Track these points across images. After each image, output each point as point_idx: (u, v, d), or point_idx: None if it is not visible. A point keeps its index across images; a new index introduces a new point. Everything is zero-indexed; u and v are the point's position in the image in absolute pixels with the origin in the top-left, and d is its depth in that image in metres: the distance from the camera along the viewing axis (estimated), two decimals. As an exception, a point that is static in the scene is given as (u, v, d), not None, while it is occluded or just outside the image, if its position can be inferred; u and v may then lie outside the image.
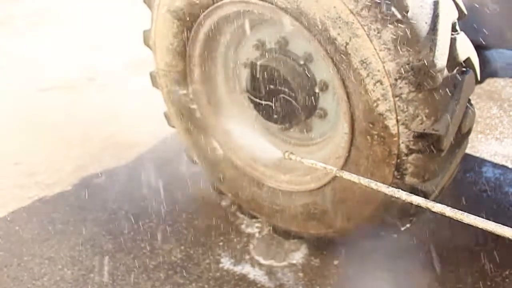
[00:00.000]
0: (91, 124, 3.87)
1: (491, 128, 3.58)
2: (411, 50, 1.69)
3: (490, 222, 1.47)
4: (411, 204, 2.06)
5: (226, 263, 2.59)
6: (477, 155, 3.27)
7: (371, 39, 1.72)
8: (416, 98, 1.75)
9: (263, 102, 2.33)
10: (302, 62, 2.20)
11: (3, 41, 5.51)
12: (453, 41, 1.78)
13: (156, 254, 2.66)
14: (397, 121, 1.82)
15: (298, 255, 2.61)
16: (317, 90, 2.23)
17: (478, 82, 1.98)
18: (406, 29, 1.67)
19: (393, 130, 1.85)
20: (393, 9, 1.65)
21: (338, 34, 1.79)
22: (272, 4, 1.95)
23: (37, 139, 3.70)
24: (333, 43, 1.82)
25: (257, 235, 2.76)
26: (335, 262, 2.55)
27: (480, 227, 1.47)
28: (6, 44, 5.43)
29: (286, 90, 2.20)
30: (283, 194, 2.49)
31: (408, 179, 1.96)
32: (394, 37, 1.69)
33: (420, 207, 2.07)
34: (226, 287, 2.44)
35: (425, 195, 2.01)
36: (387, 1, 1.66)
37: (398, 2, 1.65)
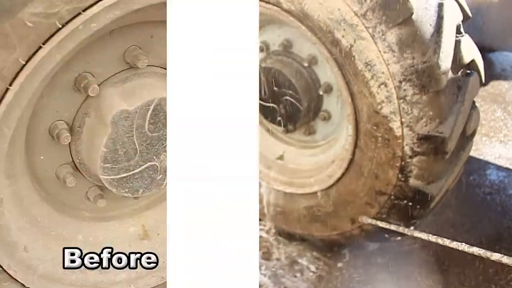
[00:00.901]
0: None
1: (495, 130, 3.56)
2: (415, 52, 1.69)
3: None
4: (414, 207, 2.07)
5: (230, 264, 2.58)
6: (481, 157, 3.26)
7: (376, 41, 1.72)
8: (421, 100, 1.75)
9: (267, 104, 2.33)
10: (306, 64, 2.20)
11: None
12: (457, 43, 1.78)
13: (159, 256, 2.65)
14: (402, 123, 1.82)
15: (302, 258, 2.60)
16: (321, 92, 2.23)
17: (482, 85, 1.97)
18: (411, 32, 1.67)
19: (398, 132, 1.84)
20: (397, 11, 1.66)
21: (343, 36, 1.79)
22: (276, 6, 1.95)
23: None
24: (338, 45, 1.82)
25: (260, 237, 2.76)
26: (339, 265, 2.55)
27: None
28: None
29: (290, 92, 2.21)
30: (286, 196, 2.48)
31: (412, 181, 1.95)
32: (399, 39, 1.69)
33: (423, 209, 2.08)
34: (230, 289, 2.44)
35: (429, 197, 2.01)
36: (391, 3, 1.66)
37: (403, 5, 1.65)
